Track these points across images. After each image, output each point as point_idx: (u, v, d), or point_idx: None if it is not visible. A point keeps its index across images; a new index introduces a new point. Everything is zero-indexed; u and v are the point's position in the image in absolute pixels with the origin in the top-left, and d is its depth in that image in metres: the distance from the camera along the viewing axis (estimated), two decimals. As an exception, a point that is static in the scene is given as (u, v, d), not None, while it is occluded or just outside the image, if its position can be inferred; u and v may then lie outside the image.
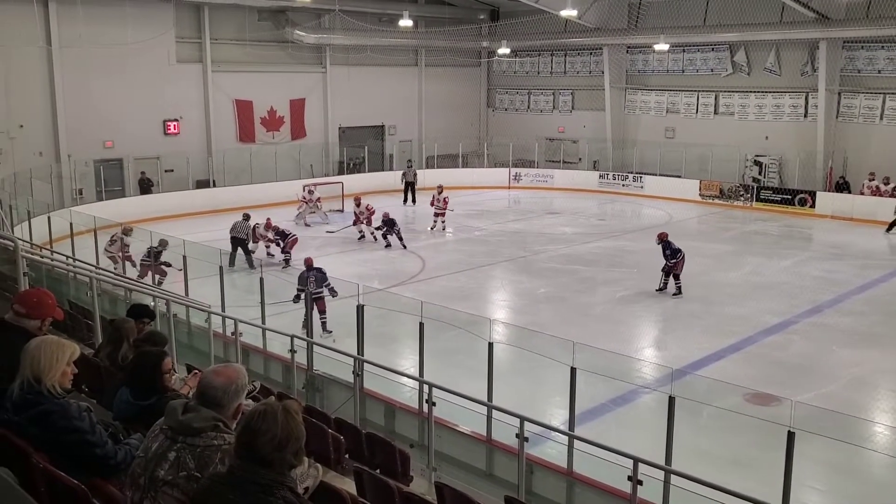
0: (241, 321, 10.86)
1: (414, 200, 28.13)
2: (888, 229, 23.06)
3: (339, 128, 32.02)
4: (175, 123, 27.32)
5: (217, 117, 28.32)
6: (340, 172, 30.57)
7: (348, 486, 5.54)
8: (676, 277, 16.78)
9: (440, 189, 23.89)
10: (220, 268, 12.95)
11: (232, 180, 27.28)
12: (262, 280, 12.73)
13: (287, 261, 18.56)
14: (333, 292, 13.65)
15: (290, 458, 2.57)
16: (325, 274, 13.80)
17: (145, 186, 26.14)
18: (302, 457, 2.64)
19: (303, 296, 13.28)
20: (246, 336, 11.28)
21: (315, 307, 13.42)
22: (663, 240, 17.03)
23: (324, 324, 13.72)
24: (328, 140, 31.52)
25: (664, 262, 16.85)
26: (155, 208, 23.91)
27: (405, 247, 21.12)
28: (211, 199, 26.10)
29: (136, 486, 2.82)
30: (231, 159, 27.65)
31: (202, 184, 27.11)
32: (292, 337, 9.88)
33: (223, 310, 12.26)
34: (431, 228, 23.46)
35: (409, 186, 28.50)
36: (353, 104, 31.68)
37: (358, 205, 22.28)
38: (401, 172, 29.34)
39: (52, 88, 24.31)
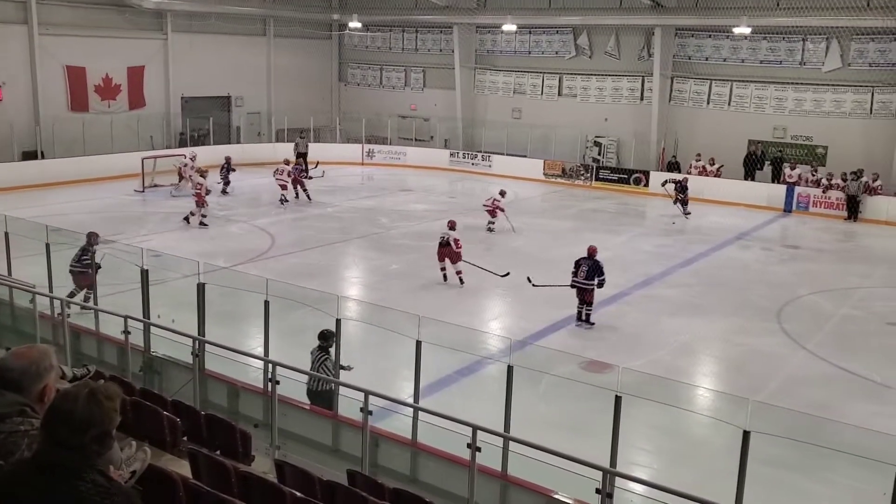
0: (68, 301, 10.25)
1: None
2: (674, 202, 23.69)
3: (182, 98, 30.62)
4: (-3, 89, 25.25)
5: (45, 84, 26.35)
6: (183, 144, 29.25)
7: (183, 468, 5.40)
8: (685, 203, 23.17)
9: (503, 192, 21.56)
10: (47, 245, 12.09)
11: (63, 152, 25.56)
12: (93, 255, 12.08)
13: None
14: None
15: (90, 443, 2.45)
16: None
17: (-37, 157, 24.06)
18: (108, 442, 2.51)
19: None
20: (78, 318, 10.68)
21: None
22: (681, 183, 23.66)
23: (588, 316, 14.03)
24: (170, 110, 30.10)
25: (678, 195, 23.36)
26: (-26, 181, 22.07)
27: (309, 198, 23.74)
28: (41, 171, 24.39)
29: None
30: (62, 129, 25.83)
31: (29, 155, 25.26)
32: (126, 318, 9.42)
33: (50, 290, 11.49)
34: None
35: (302, 154, 28.51)
36: (196, 73, 30.37)
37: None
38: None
39: None
